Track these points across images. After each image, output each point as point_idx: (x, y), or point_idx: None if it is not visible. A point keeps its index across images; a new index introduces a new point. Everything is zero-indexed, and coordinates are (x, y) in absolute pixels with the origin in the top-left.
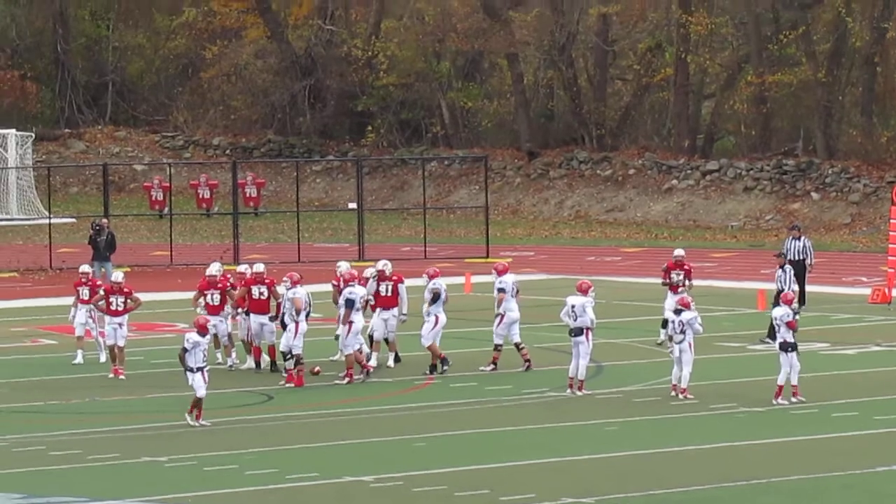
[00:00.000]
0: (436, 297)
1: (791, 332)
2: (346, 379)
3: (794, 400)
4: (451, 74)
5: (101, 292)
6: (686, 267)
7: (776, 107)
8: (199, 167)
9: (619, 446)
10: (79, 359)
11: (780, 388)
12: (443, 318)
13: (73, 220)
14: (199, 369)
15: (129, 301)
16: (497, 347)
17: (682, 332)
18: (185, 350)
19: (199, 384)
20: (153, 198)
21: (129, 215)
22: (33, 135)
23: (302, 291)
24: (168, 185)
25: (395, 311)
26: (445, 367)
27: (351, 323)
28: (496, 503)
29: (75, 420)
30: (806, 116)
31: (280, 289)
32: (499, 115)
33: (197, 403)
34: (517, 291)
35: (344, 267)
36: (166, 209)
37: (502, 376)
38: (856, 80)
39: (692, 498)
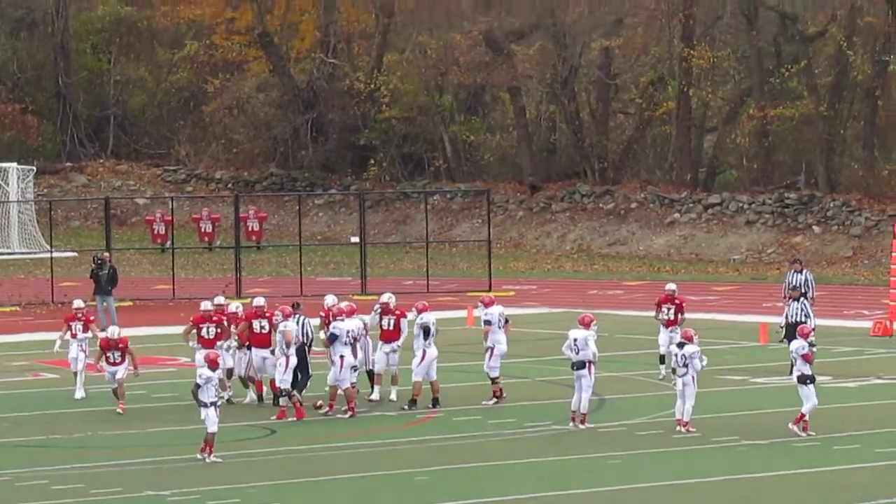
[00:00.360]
0: (426, 332)
1: (808, 364)
2: (349, 413)
3: (802, 434)
4: (454, 108)
5: (98, 337)
6: (678, 301)
7: (778, 140)
8: (202, 201)
9: (621, 480)
10: (79, 393)
11: (802, 415)
12: (431, 351)
13: (75, 253)
14: (212, 404)
15: (126, 354)
16: (494, 381)
17: (685, 365)
18: (197, 386)
19: (212, 419)
20: (155, 231)
21: (131, 249)
22: (35, 168)
23: (293, 325)
24: (170, 218)
25: (396, 344)
26: (414, 407)
27: (342, 357)
28: None
29: (77, 454)
30: (808, 150)
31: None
32: (501, 148)
33: (209, 439)
34: (506, 322)
35: (330, 300)
36: (168, 243)
37: (505, 409)
38: (857, 113)
39: None
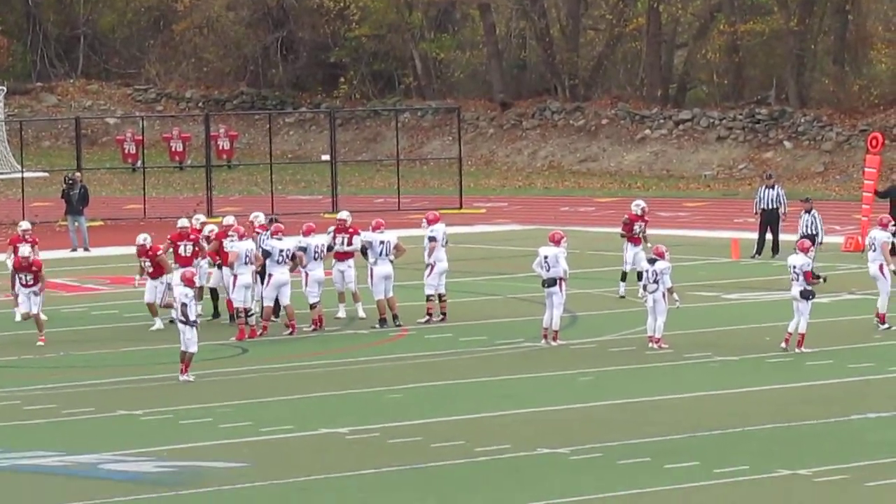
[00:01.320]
0: (363, 251)
1: (808, 281)
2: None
3: (797, 350)
4: (424, 25)
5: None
6: (646, 219)
7: (748, 56)
8: (172, 120)
9: (593, 396)
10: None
11: (790, 335)
12: (379, 269)
13: (46, 174)
14: (194, 323)
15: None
16: (429, 298)
17: (656, 281)
18: (184, 304)
19: (193, 340)
20: (126, 151)
21: (101, 169)
22: (5, 89)
23: (241, 245)
24: (141, 138)
25: (352, 262)
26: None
27: (270, 276)
28: (471, 454)
29: (50, 374)
30: (778, 65)
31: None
32: (471, 65)
33: (189, 358)
34: (447, 242)
35: (261, 218)
36: (139, 162)
37: (476, 327)
38: (828, 28)
39: (667, 447)
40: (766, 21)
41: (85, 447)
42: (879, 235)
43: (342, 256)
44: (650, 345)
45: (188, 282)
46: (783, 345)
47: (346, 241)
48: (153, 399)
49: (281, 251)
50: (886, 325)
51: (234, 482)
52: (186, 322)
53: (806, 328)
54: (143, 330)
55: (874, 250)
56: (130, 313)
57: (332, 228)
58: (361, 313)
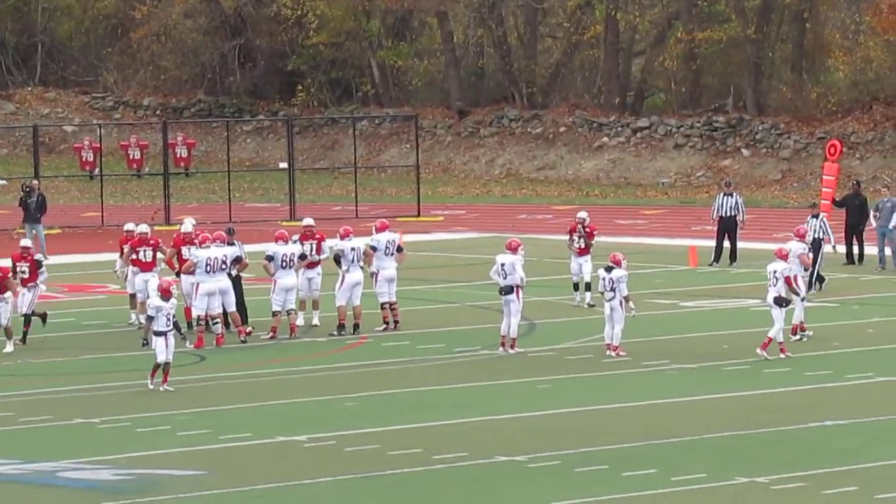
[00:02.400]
0: (336, 260)
1: (787, 288)
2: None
3: (773, 357)
4: (381, 33)
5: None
6: (588, 229)
7: (706, 64)
8: (130, 128)
9: (551, 404)
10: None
11: (779, 342)
12: (351, 276)
13: (4, 181)
14: (163, 334)
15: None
16: (382, 307)
17: (612, 289)
18: (149, 318)
19: (160, 349)
20: (84, 159)
21: (59, 176)
22: None
23: (202, 253)
24: (98, 145)
25: (319, 269)
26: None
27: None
28: (429, 462)
29: (7, 382)
30: (736, 73)
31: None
32: (429, 73)
33: (160, 368)
34: (399, 249)
35: (188, 226)
36: (97, 170)
37: (434, 335)
38: (785, 36)
39: (625, 455)
40: (723, 29)
41: (42, 455)
42: (795, 247)
43: (311, 264)
44: (608, 352)
45: (164, 293)
46: (781, 355)
47: (314, 247)
48: (111, 407)
49: (283, 255)
50: (801, 336)
51: (191, 490)
52: (156, 332)
53: (781, 335)
54: (101, 338)
55: (774, 285)
56: (88, 321)
57: (296, 237)
58: (316, 321)
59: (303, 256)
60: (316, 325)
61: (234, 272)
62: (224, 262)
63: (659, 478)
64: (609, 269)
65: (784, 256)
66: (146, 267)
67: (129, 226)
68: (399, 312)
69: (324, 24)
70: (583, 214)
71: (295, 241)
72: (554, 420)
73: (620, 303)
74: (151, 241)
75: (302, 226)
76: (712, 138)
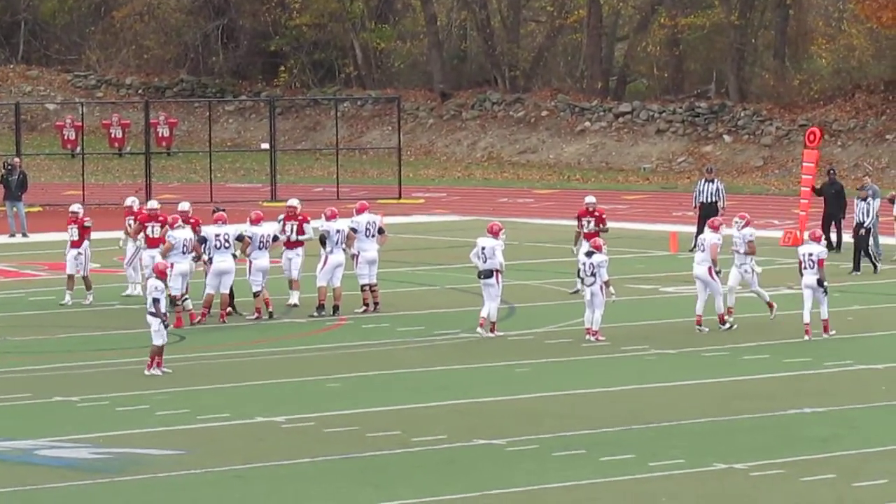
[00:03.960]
0: (322, 240)
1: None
2: (255, 315)
3: (826, 335)
4: (365, 15)
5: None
6: (597, 213)
7: (689, 49)
8: (112, 107)
9: (530, 388)
10: None
11: (808, 325)
12: (333, 258)
13: None
14: (164, 316)
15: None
16: (363, 288)
17: (593, 274)
18: (156, 301)
19: (162, 332)
20: (65, 137)
21: (41, 154)
22: None
23: (179, 234)
24: (80, 124)
25: (301, 250)
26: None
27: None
28: (408, 444)
29: None
30: (718, 59)
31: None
32: (412, 55)
33: (158, 352)
34: (380, 231)
35: (152, 204)
36: (78, 149)
37: (414, 317)
38: (768, 22)
39: (603, 440)
40: (706, 15)
41: (21, 433)
42: (710, 237)
43: (292, 245)
44: (587, 337)
45: (160, 274)
46: (805, 336)
47: (295, 228)
48: (90, 386)
49: (217, 236)
50: (727, 325)
51: (170, 469)
52: (156, 315)
53: (828, 312)
54: (81, 316)
55: (703, 251)
56: (67, 299)
57: (281, 216)
58: (295, 301)
59: (276, 238)
60: (295, 305)
61: (237, 253)
62: (227, 241)
63: (637, 463)
64: (590, 254)
65: (818, 239)
66: (154, 243)
67: (153, 203)
68: (379, 294)
69: (307, 5)
70: (591, 199)
71: (279, 221)
72: (533, 404)
73: (601, 287)
74: (160, 217)
75: (286, 205)
76: (694, 124)
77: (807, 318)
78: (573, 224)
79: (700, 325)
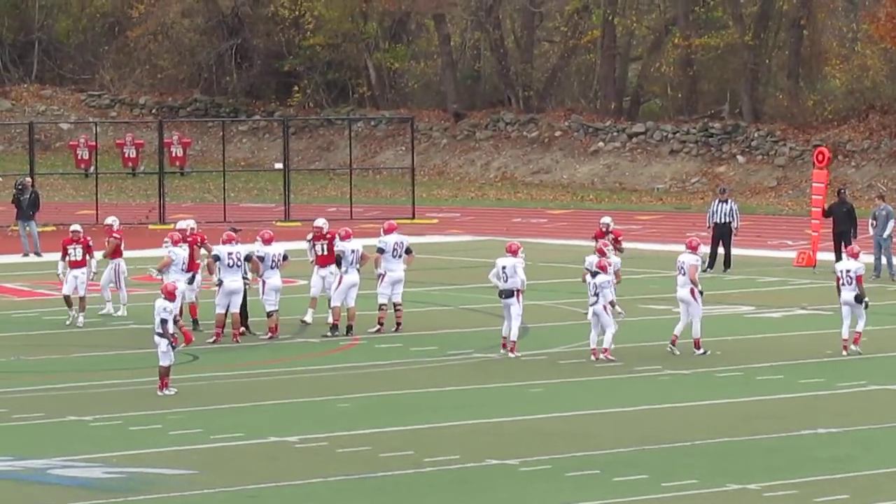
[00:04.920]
0: (338, 260)
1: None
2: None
3: (854, 347)
4: (378, 35)
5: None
6: (613, 233)
7: (703, 70)
8: (126, 126)
9: (543, 408)
10: None
11: (846, 341)
12: (348, 278)
13: None
14: (172, 337)
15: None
16: (381, 307)
17: (596, 294)
18: (164, 322)
19: (170, 353)
20: (79, 157)
21: (54, 174)
22: None
23: (178, 252)
24: (94, 143)
25: (333, 268)
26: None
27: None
28: (420, 464)
29: (0, 378)
30: (732, 79)
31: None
32: (425, 76)
33: (166, 372)
34: (408, 251)
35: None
36: (92, 168)
37: (428, 337)
38: (782, 43)
39: (616, 460)
40: (720, 35)
41: (34, 452)
42: (688, 259)
43: (325, 262)
44: (592, 357)
45: (169, 295)
46: (844, 353)
47: (325, 247)
48: (103, 405)
49: (230, 254)
50: (702, 351)
51: (182, 489)
52: (164, 335)
53: (863, 327)
54: (95, 336)
55: (683, 274)
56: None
57: (310, 236)
58: (309, 318)
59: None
60: (307, 323)
61: (249, 275)
62: (239, 260)
63: (650, 484)
64: (594, 275)
65: (855, 255)
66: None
67: (186, 223)
68: (402, 314)
69: (321, 25)
70: (606, 219)
71: (308, 240)
72: (546, 424)
73: (605, 307)
74: (189, 238)
75: (313, 226)
76: (708, 144)
77: (845, 335)
78: (588, 245)
79: (673, 346)
